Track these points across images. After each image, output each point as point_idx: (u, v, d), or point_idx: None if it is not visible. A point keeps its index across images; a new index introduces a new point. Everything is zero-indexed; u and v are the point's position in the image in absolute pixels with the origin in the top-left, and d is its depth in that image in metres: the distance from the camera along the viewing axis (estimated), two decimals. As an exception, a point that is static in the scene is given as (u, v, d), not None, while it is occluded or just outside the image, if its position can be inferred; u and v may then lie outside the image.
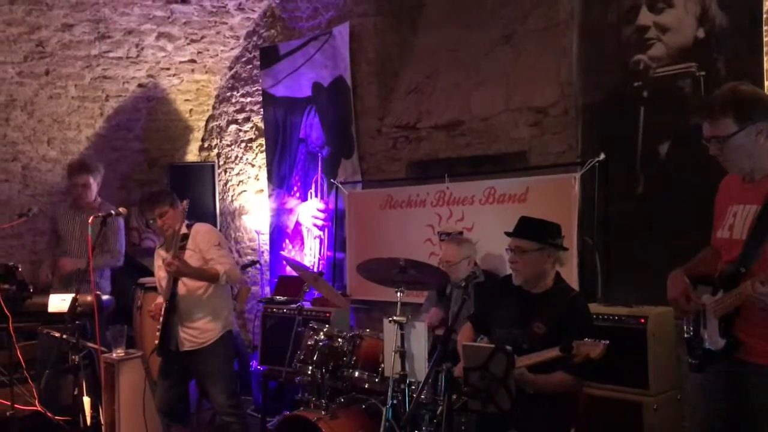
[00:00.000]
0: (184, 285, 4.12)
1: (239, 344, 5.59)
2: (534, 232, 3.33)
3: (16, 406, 4.36)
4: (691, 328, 2.68)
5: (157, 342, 4.11)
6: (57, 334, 4.28)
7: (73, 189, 5.34)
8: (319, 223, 6.14)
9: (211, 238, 4.18)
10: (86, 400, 4.09)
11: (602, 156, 4.23)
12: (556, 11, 4.66)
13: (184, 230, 4.17)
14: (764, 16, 3.66)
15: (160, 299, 4.30)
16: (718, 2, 3.78)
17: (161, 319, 4.10)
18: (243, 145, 7.04)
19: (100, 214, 4.71)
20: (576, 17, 4.44)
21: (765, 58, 3.65)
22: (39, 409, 4.60)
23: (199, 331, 4.16)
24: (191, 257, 4.08)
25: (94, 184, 5.27)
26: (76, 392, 3.99)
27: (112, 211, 4.23)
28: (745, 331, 2.47)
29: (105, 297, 4.94)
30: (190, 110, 7.21)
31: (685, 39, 3.92)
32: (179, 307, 4.12)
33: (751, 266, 2.41)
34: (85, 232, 5.16)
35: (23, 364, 4.52)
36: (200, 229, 4.24)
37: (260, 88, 6.65)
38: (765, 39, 3.66)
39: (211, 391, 4.21)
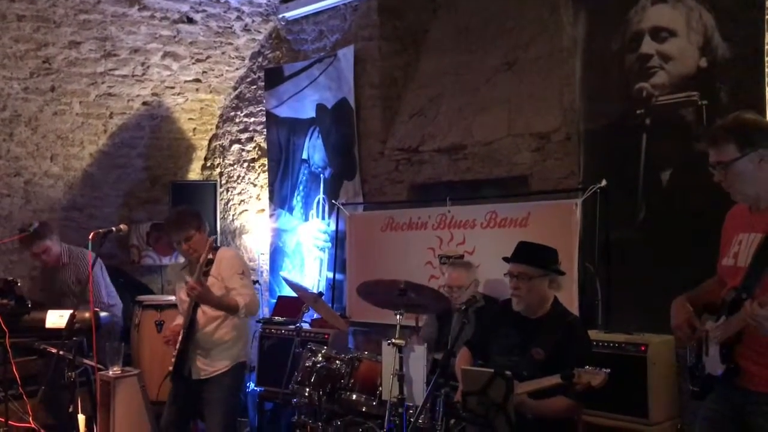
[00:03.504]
0: (204, 313, 4.02)
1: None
2: (538, 258, 3.32)
3: (10, 422, 4.32)
4: (693, 356, 2.67)
5: (171, 368, 4.03)
6: (53, 350, 4.26)
7: (35, 258, 5.17)
8: (320, 244, 6.13)
9: (234, 266, 4.07)
10: (81, 418, 4.06)
11: (604, 182, 4.23)
12: (560, 39, 4.70)
13: (209, 254, 4.05)
14: (766, 47, 3.69)
15: (178, 320, 4.22)
16: (720, 33, 3.81)
17: (178, 345, 4.01)
18: (245, 164, 7.06)
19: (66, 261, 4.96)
20: (579, 45, 4.47)
21: (767, 89, 3.67)
22: (33, 425, 4.55)
23: (212, 360, 4.06)
24: (213, 285, 3.97)
25: (53, 244, 5.11)
26: (71, 409, 3.96)
27: (113, 228, 4.22)
28: (747, 357, 2.46)
29: (103, 314, 4.92)
30: (194, 129, 7.24)
31: (687, 68, 3.94)
32: (196, 334, 4.03)
33: (753, 292, 2.41)
34: (60, 279, 5.16)
35: (18, 380, 4.49)
36: (225, 255, 4.13)
37: (264, 108, 6.68)
38: (767, 70, 3.68)
39: (208, 420, 4.12)
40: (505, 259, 3.40)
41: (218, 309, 3.99)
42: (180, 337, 4.02)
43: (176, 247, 4.12)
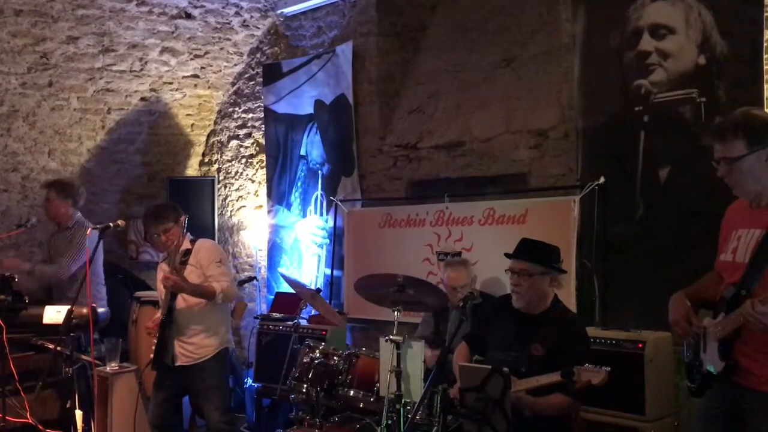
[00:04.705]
0: (183, 300, 4.10)
1: (233, 360, 5.56)
2: (540, 255, 3.31)
3: (7, 418, 4.32)
4: (691, 352, 2.66)
5: (152, 355, 4.08)
6: (51, 346, 4.26)
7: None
8: (318, 240, 6.13)
9: (212, 255, 4.18)
10: (78, 414, 4.06)
11: (602, 179, 4.23)
12: (558, 36, 4.69)
13: (187, 245, 4.15)
14: (765, 44, 3.68)
15: (159, 312, 4.27)
16: (719, 30, 3.81)
17: (157, 332, 4.07)
18: (243, 160, 7.05)
19: (69, 225, 5.01)
20: (578, 42, 4.46)
21: (765, 86, 3.67)
22: (30, 421, 4.55)
23: (195, 347, 4.13)
24: (192, 273, 4.06)
25: (56, 200, 5.22)
26: (68, 405, 3.96)
27: (111, 224, 4.22)
28: (746, 354, 2.46)
29: (100, 310, 4.91)
30: (192, 125, 7.22)
31: (686, 65, 3.94)
32: (176, 321, 4.10)
33: (752, 289, 2.41)
34: (57, 241, 5.27)
35: (15, 375, 4.48)
36: (203, 245, 4.23)
37: (262, 104, 6.67)
38: (765, 67, 3.68)
39: (205, 407, 4.18)
40: (507, 255, 3.39)
41: (195, 296, 4.06)
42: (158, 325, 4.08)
43: (155, 239, 4.17)
